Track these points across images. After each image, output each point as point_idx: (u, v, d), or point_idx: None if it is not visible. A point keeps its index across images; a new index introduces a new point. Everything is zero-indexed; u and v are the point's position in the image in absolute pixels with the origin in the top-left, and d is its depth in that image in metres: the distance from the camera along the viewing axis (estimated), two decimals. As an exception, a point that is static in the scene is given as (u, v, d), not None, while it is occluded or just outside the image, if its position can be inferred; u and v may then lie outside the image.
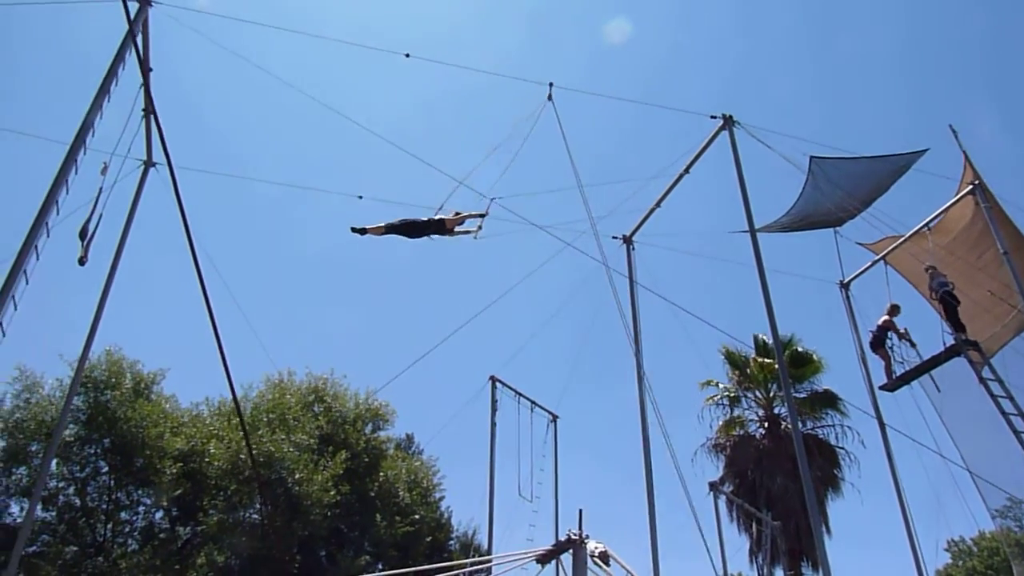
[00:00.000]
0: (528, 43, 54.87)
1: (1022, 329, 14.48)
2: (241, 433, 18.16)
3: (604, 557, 3.59)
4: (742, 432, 21.84)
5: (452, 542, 26.39)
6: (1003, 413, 12.85)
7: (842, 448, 21.12)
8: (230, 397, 20.72)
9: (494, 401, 17.05)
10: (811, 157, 13.59)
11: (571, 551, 3.79)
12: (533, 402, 17.34)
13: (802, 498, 12.41)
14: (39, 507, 17.20)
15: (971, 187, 13.83)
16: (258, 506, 18.86)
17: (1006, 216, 14.02)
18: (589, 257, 12.52)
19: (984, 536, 33.19)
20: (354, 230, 11.17)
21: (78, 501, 19.26)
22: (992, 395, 13.12)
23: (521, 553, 4.25)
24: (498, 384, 17.07)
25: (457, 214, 11.70)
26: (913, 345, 14.70)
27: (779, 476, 19.50)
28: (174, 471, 18.54)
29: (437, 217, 11.56)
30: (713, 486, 16.90)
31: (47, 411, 18.30)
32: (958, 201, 14.22)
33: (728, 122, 12.59)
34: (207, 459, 18.56)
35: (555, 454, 17.64)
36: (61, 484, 18.94)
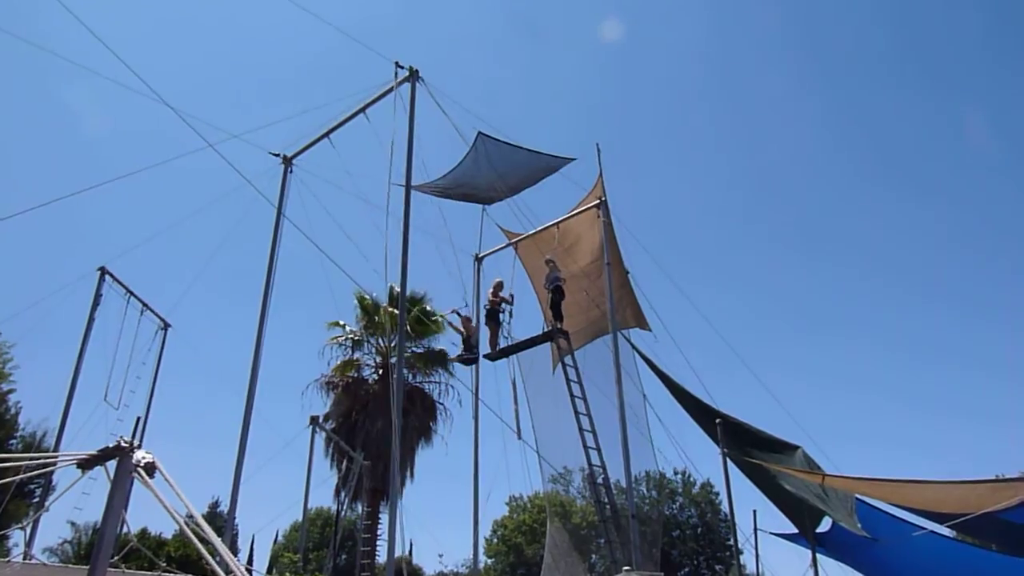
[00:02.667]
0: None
1: (603, 333, 17.01)
2: None
3: (150, 468, 3.45)
4: (356, 375, 22.56)
5: (14, 441, 23.30)
6: (571, 395, 15.12)
7: (442, 404, 22.96)
8: None
9: (99, 295, 15.29)
10: (479, 132, 14.45)
11: (117, 459, 3.57)
12: (145, 304, 15.94)
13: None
14: None
15: (597, 202, 15.88)
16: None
17: (614, 236, 16.36)
18: (235, 169, 11.81)
19: (538, 495, 38.79)
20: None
21: None
22: (568, 379, 15.35)
23: (62, 455, 3.90)
24: (107, 277, 15.35)
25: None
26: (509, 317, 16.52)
27: (380, 420, 20.55)
28: None
29: None
30: (314, 420, 17.19)
31: None
32: (580, 212, 16.24)
33: (412, 75, 12.82)
34: None
35: (158, 364, 16.46)
36: None
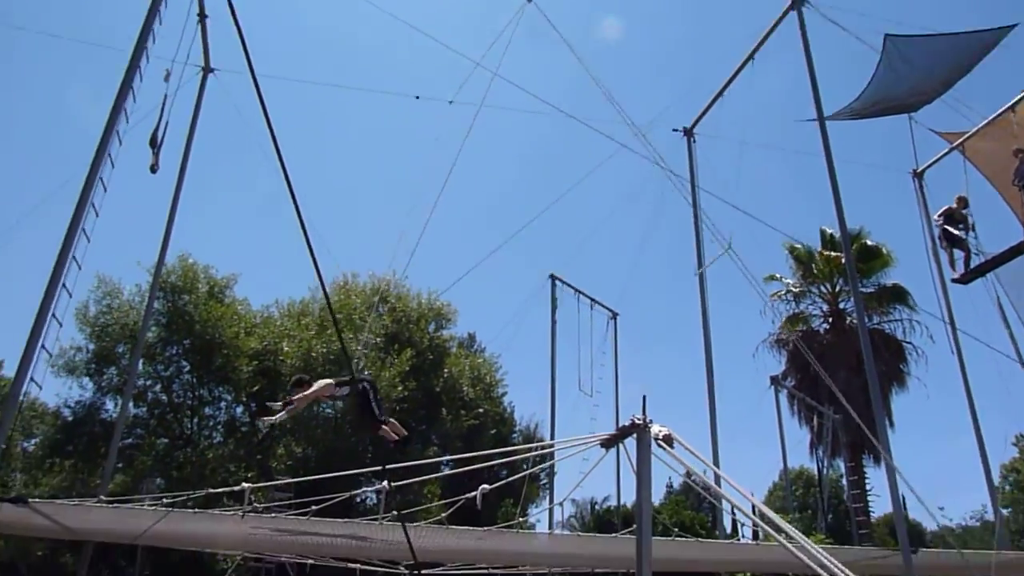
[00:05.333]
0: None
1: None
2: (312, 332, 18.90)
3: (668, 440, 3.68)
4: (805, 327, 21.65)
5: (515, 435, 27.35)
6: (1084, 304, 12.41)
7: (909, 343, 20.81)
8: (299, 300, 21.33)
9: (554, 299, 17.14)
10: (886, 35, 12.76)
11: (635, 435, 3.88)
12: (593, 299, 17.39)
13: (865, 392, 12.35)
14: (131, 404, 18.36)
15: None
16: (331, 402, 19.78)
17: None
18: (644, 158, 12.25)
19: (1053, 432, 32.64)
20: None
21: (165, 398, 20.56)
22: (1072, 286, 12.64)
23: (585, 438, 4.39)
24: (558, 282, 17.14)
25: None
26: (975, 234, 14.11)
27: (842, 371, 19.37)
28: (250, 369, 19.51)
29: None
30: (775, 380, 16.91)
31: (128, 315, 19.33)
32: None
33: (796, 1, 11.88)
34: (281, 357, 19.44)
35: (615, 350, 17.83)
36: (148, 382, 20.19)
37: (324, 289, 3.66)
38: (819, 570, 2.96)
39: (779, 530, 3.36)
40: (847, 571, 2.81)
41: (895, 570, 9.22)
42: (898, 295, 20.93)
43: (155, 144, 8.93)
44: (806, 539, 3.06)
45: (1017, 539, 34.03)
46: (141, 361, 18.09)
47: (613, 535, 9.70)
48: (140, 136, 8.62)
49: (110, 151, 7.17)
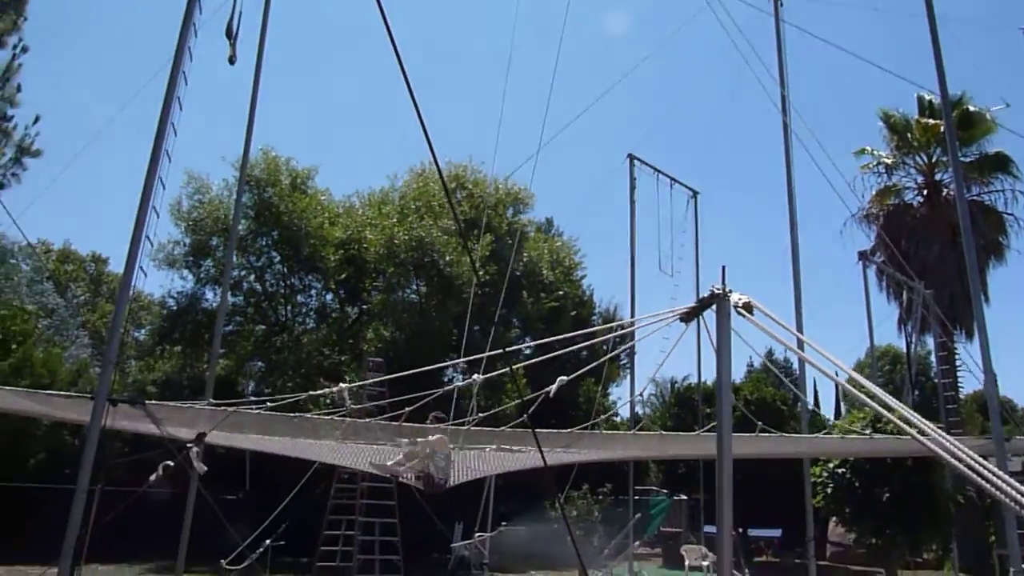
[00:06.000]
0: None
1: None
2: (394, 220, 19.28)
3: (748, 307, 3.66)
4: (897, 201, 20.71)
5: (595, 316, 27.66)
6: None
7: (1011, 214, 19.72)
8: (378, 189, 21.70)
9: (632, 179, 16.76)
10: None
11: (714, 306, 3.88)
12: (672, 178, 16.96)
13: (959, 266, 11.88)
14: (229, 293, 19.36)
15: None
16: (415, 286, 20.41)
17: None
18: (723, 27, 11.55)
19: None
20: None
21: (259, 287, 21.62)
22: None
23: (663, 312, 4.41)
24: (636, 162, 16.73)
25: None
26: None
27: (936, 244, 18.61)
28: (337, 258, 20.20)
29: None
30: (863, 255, 16.37)
31: (219, 209, 20.13)
32: None
33: None
34: (365, 245, 20.01)
35: (695, 229, 17.49)
36: (243, 273, 21.23)
37: (440, 174, 3.71)
38: (919, 439, 2.97)
39: (870, 394, 3.34)
40: (933, 427, 2.82)
41: (985, 450, 9.15)
42: (1000, 163, 19.66)
43: (231, 35, 8.97)
44: (896, 401, 3.06)
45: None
46: (235, 253, 18.95)
47: (695, 433, 9.89)
48: (212, 35, 8.69)
49: (189, 44, 7.27)
